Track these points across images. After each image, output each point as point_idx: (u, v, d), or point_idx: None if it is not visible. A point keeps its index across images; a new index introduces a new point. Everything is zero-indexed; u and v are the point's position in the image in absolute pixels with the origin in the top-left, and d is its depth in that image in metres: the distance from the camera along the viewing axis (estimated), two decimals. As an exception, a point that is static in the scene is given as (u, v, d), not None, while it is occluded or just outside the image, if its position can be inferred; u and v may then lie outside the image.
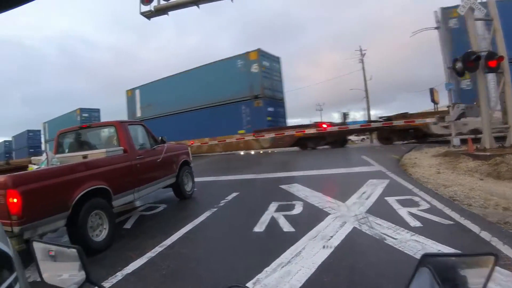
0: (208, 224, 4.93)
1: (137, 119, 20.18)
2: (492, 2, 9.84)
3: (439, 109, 17.67)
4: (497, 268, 2.68)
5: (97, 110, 34.43)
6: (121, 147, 5.24)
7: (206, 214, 5.44)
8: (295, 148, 19.04)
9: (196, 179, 7.66)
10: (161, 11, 12.52)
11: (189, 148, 7.77)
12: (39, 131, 40.94)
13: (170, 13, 12.67)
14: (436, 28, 15.30)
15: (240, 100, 20.37)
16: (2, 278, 0.53)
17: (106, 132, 5.78)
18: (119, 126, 5.42)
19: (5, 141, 50.72)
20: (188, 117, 22.62)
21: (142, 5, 12.49)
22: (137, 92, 27.18)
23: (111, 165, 4.78)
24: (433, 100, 17.62)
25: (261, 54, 20.18)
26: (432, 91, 17.72)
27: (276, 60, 22.11)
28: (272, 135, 19.01)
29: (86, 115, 32.59)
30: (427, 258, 0.82)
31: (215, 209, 5.71)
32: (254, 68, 19.84)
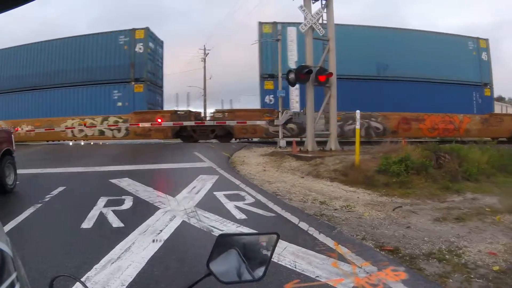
0: (32, 221, 4.59)
1: None
2: (331, 24, 11.47)
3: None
4: (314, 253, 3.02)
5: None
6: None
7: (30, 210, 5.02)
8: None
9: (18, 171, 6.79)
10: None
11: (12, 135, 6.81)
12: None
13: None
14: (277, 40, 15.74)
15: (114, 82, 17.89)
16: (2, 278, 0.50)
17: None
18: None
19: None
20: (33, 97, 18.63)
21: None
22: None
23: None
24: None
25: (149, 35, 18.33)
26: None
27: (160, 44, 20.29)
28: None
29: None
30: (225, 238, 0.94)
31: (40, 205, 5.31)
32: (139, 47, 17.69)
